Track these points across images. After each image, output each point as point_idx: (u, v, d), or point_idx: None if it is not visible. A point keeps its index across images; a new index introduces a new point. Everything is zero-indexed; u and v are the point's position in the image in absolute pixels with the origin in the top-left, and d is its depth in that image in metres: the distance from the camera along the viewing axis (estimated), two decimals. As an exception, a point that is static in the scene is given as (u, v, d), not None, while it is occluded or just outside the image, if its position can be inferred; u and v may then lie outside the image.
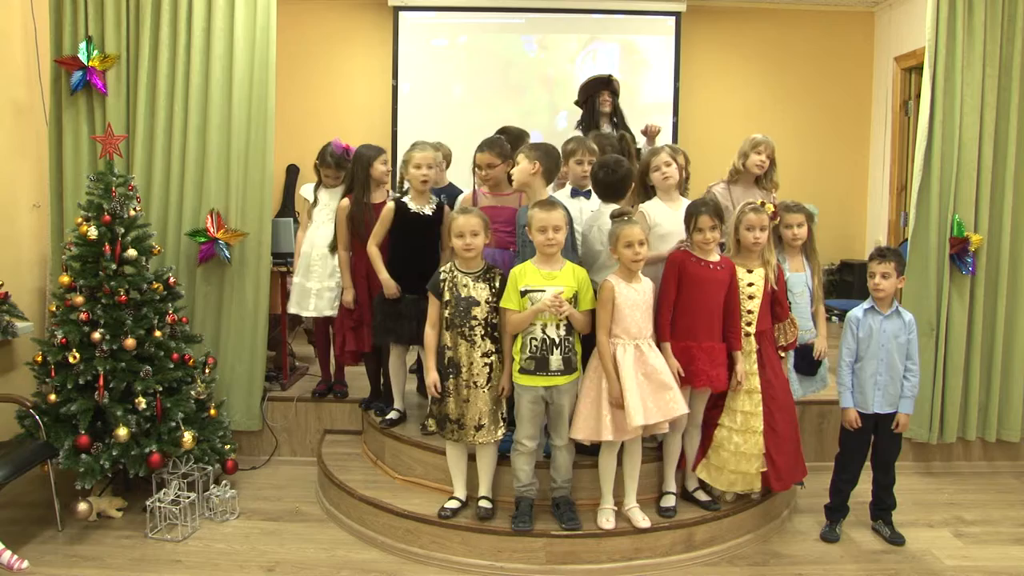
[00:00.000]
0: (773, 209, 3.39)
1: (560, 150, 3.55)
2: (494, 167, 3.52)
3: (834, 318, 6.09)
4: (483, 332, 3.13)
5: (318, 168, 4.14)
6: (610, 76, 4.71)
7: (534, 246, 3.11)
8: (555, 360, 3.04)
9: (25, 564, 3.00)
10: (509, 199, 3.57)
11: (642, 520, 3.16)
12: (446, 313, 3.16)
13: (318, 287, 4.03)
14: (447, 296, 3.16)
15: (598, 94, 4.62)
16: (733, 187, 3.84)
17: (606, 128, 4.59)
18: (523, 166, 3.29)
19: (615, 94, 4.69)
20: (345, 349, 3.97)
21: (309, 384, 4.43)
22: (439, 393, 3.18)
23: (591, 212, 3.43)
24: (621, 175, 3.32)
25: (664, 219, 3.39)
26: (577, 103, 4.91)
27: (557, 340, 3.05)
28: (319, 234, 4.04)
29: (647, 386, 3.04)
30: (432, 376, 3.19)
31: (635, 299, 3.07)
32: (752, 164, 3.77)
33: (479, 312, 3.13)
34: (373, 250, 3.68)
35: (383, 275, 3.63)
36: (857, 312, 3.37)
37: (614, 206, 3.25)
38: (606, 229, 3.19)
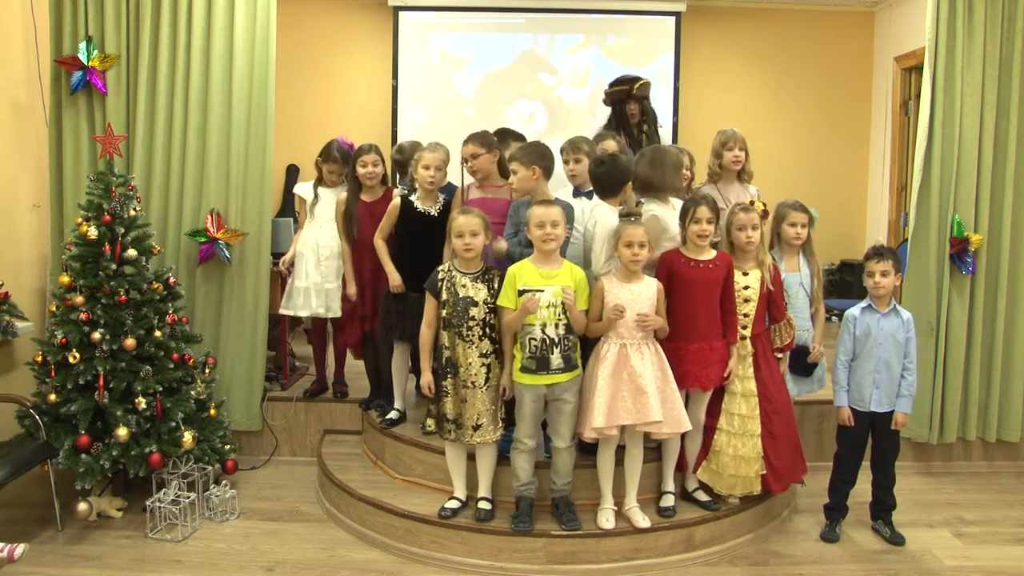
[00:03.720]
0: (763, 208, 3.39)
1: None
2: (477, 157, 3.54)
3: (834, 318, 6.09)
4: (481, 332, 3.14)
5: (319, 164, 4.14)
6: (631, 87, 4.54)
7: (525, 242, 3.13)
8: (555, 359, 3.04)
9: (19, 550, 3.00)
10: (500, 192, 3.58)
11: (642, 520, 3.16)
12: (444, 313, 3.17)
13: (329, 286, 4.04)
14: (445, 296, 3.16)
15: (624, 103, 4.51)
16: (720, 186, 3.83)
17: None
18: (522, 174, 3.30)
19: (643, 98, 4.56)
20: (339, 341, 4.03)
21: (309, 384, 4.42)
22: (432, 393, 3.18)
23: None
24: (608, 171, 3.31)
25: (671, 221, 3.38)
26: (605, 102, 4.77)
27: (556, 339, 3.05)
28: (323, 233, 4.05)
29: (628, 386, 3.04)
30: (426, 376, 3.20)
31: (628, 299, 3.06)
32: (728, 162, 3.76)
33: (477, 312, 3.13)
34: (379, 243, 3.69)
35: (388, 267, 3.65)
36: (854, 311, 3.37)
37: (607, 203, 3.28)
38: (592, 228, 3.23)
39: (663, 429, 3.07)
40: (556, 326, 3.04)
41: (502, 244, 3.31)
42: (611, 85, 4.73)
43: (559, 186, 3.66)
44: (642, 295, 3.08)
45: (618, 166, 3.33)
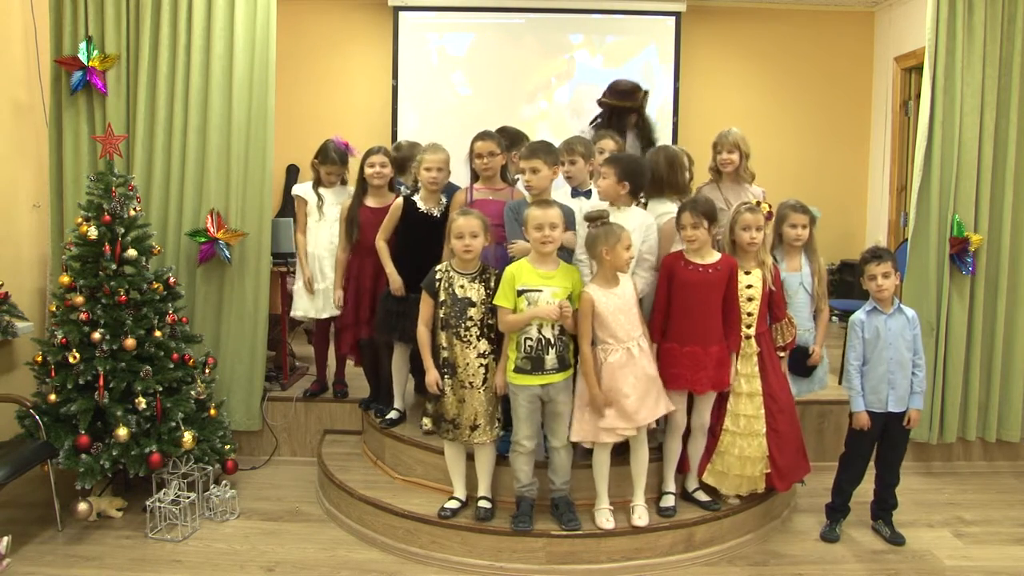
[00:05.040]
0: (769, 209, 3.39)
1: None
2: (495, 155, 3.53)
3: (834, 318, 6.08)
4: (478, 333, 3.14)
5: (316, 166, 4.14)
6: (637, 103, 4.47)
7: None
8: (550, 359, 3.05)
9: (3, 544, 3.03)
10: (502, 193, 3.58)
11: (638, 519, 3.17)
12: (441, 313, 3.17)
13: (324, 287, 4.05)
14: (442, 296, 3.16)
15: (626, 114, 4.44)
16: (721, 186, 3.83)
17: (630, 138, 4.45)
18: (544, 173, 3.26)
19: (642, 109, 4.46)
20: (339, 349, 4.03)
21: (309, 384, 4.42)
22: (440, 391, 3.19)
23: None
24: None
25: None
26: (603, 102, 4.62)
27: (552, 340, 3.05)
28: (335, 232, 4.04)
29: (640, 387, 3.05)
30: (432, 374, 3.19)
31: (616, 304, 3.07)
32: (720, 163, 3.78)
33: (475, 313, 3.13)
34: (381, 244, 3.69)
35: (389, 268, 3.65)
36: (860, 315, 3.36)
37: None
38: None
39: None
40: (552, 326, 3.05)
41: (524, 245, 3.24)
42: (612, 93, 4.59)
43: (556, 187, 3.65)
44: (625, 295, 3.10)
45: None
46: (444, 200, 3.68)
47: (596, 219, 3.07)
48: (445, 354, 3.16)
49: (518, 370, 3.07)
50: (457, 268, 3.18)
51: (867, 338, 3.33)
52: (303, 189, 4.22)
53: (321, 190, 4.13)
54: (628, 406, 3.03)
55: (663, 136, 5.99)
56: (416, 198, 3.66)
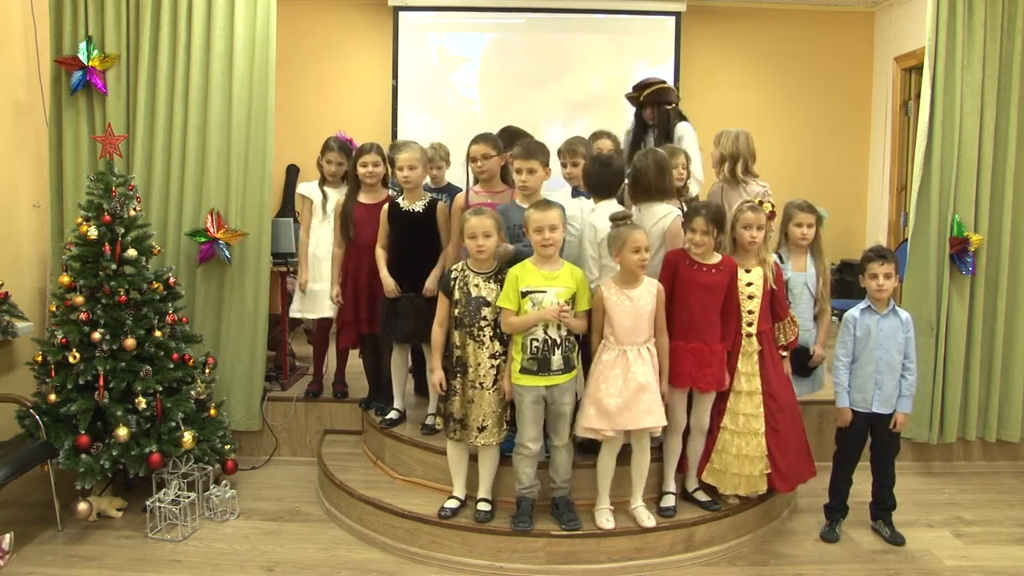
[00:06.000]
0: (771, 208, 3.39)
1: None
2: (489, 158, 3.54)
3: (833, 318, 6.07)
4: (492, 333, 3.13)
5: (320, 161, 4.13)
6: (639, 94, 4.45)
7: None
8: (556, 360, 3.05)
9: (6, 541, 3.06)
10: (501, 196, 3.58)
11: (647, 519, 3.16)
12: (456, 312, 3.17)
13: (326, 288, 4.05)
14: (457, 295, 3.16)
15: (643, 108, 4.43)
16: (725, 185, 3.90)
17: (650, 139, 4.45)
18: (540, 174, 3.29)
19: (658, 104, 4.42)
20: (339, 344, 4.05)
21: (309, 384, 4.41)
22: (444, 390, 3.18)
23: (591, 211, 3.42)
24: (606, 172, 3.32)
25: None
26: (634, 98, 4.55)
27: (559, 340, 3.05)
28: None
29: (627, 392, 3.05)
30: (437, 374, 3.20)
31: (627, 306, 3.06)
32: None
33: (489, 312, 3.13)
34: (379, 251, 3.72)
35: (383, 273, 3.67)
36: (854, 312, 3.37)
37: (609, 204, 3.27)
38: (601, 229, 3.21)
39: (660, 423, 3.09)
40: (559, 327, 3.05)
41: (509, 247, 3.28)
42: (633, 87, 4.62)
43: (556, 186, 3.65)
44: (642, 299, 3.08)
45: (611, 166, 3.35)
46: (427, 196, 3.69)
47: (615, 220, 3.08)
48: (458, 353, 3.16)
49: (524, 371, 3.07)
50: (472, 267, 3.18)
51: (858, 336, 3.34)
52: (307, 188, 4.22)
53: (326, 188, 4.13)
54: (610, 407, 3.03)
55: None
56: (399, 199, 3.69)
